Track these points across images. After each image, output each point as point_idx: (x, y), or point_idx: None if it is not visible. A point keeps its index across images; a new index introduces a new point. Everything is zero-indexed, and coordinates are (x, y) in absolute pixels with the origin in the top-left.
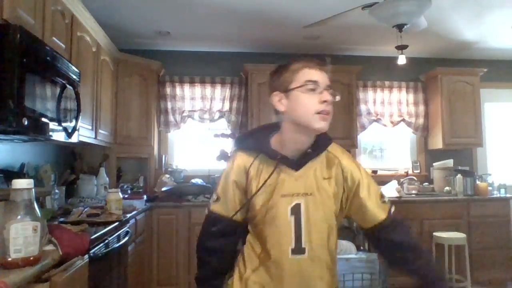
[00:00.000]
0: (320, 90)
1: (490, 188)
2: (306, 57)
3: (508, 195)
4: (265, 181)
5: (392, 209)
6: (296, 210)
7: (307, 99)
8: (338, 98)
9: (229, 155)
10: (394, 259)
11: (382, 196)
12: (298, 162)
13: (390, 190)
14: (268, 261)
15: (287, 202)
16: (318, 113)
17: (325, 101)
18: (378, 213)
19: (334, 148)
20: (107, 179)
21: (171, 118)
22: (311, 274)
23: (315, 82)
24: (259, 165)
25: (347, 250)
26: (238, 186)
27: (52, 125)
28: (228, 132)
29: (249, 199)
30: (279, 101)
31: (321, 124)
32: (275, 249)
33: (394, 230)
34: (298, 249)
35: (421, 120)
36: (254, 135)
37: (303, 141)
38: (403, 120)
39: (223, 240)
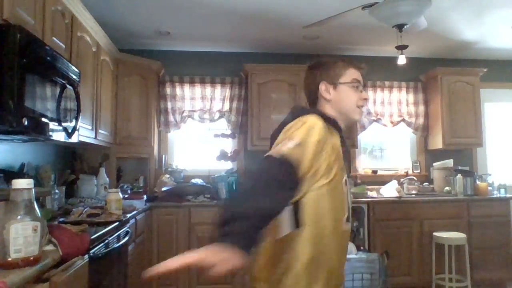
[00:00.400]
0: (361, 89)
1: (490, 188)
2: (349, 58)
3: (508, 195)
4: (338, 152)
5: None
6: (345, 182)
7: (352, 94)
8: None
9: (228, 154)
10: None
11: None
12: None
13: (390, 190)
14: (323, 232)
15: (342, 174)
16: (359, 107)
17: (365, 99)
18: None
19: None
20: (107, 179)
21: (171, 118)
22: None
23: (359, 81)
24: (329, 134)
25: (347, 250)
26: (321, 145)
27: (52, 125)
28: (228, 132)
29: (331, 165)
30: (325, 90)
31: (358, 116)
32: (333, 218)
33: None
34: (348, 218)
35: (421, 120)
36: (317, 105)
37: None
38: (403, 120)
39: (285, 193)
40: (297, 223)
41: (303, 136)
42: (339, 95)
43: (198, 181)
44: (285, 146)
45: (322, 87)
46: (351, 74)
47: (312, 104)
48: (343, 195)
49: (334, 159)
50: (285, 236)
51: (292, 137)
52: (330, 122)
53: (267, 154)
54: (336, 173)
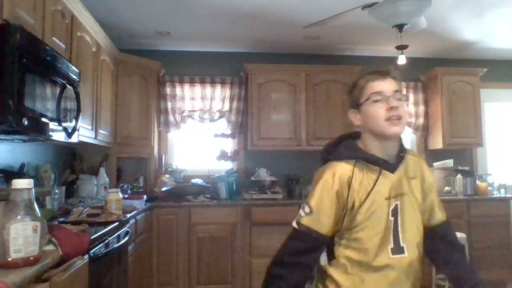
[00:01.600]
0: (387, 98)
1: (490, 188)
2: (370, 71)
3: (508, 195)
4: (372, 188)
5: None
6: (395, 211)
7: (374, 110)
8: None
9: (228, 154)
10: (446, 258)
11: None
12: (394, 165)
13: None
14: (366, 265)
15: (388, 204)
16: (388, 119)
17: (392, 107)
18: (441, 213)
19: (411, 151)
20: (107, 179)
21: (171, 118)
22: (411, 273)
23: (379, 92)
24: (359, 173)
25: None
26: (339, 198)
27: (52, 125)
28: (228, 132)
29: (357, 209)
30: (355, 117)
31: (393, 129)
32: (374, 251)
33: (450, 230)
34: (397, 249)
35: (421, 120)
36: (342, 144)
37: (390, 146)
38: None
39: (307, 256)
40: (330, 255)
41: (316, 199)
42: (364, 117)
43: (198, 181)
44: (302, 210)
45: (351, 116)
46: (370, 88)
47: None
48: (386, 228)
49: (369, 199)
50: (323, 266)
51: (309, 198)
52: (355, 159)
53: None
54: (372, 210)
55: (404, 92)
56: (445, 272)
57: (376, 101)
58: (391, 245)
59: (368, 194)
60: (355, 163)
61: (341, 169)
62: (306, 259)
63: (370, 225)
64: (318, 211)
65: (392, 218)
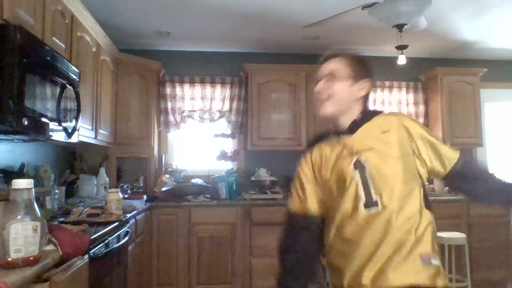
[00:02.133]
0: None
1: None
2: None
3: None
4: (335, 156)
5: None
6: (359, 165)
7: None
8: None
9: (228, 154)
10: (485, 190)
11: (445, 142)
12: (350, 128)
13: None
14: (341, 227)
15: (350, 160)
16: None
17: (315, 92)
18: (454, 153)
19: (394, 113)
20: (107, 179)
21: (171, 118)
22: (393, 228)
23: (316, 79)
24: (319, 151)
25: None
26: (308, 179)
27: (52, 125)
28: (228, 132)
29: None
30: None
31: (320, 110)
32: (347, 208)
33: (473, 163)
34: (370, 203)
35: (421, 120)
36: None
37: (344, 122)
38: None
39: (299, 235)
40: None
41: (294, 186)
42: None
43: (198, 181)
44: (288, 200)
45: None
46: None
47: None
48: (353, 185)
49: (329, 162)
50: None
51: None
52: (318, 140)
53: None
54: (337, 169)
55: (342, 68)
56: (494, 202)
57: (316, 82)
58: (363, 200)
59: (335, 163)
60: (315, 147)
61: (303, 160)
62: (298, 238)
63: (337, 185)
64: (297, 193)
65: (356, 171)
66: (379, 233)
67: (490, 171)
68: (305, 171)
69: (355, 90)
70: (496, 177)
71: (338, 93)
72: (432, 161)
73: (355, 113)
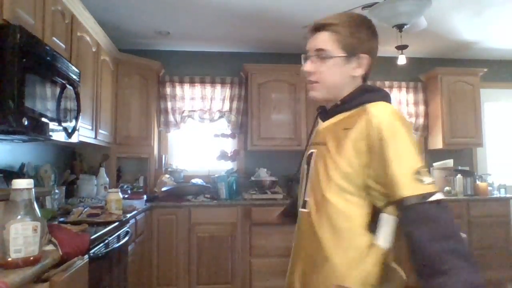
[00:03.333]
0: (308, 58)
1: (490, 188)
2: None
3: (508, 195)
4: (309, 134)
5: (432, 198)
6: (309, 160)
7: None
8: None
9: (228, 154)
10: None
11: (418, 172)
12: (327, 114)
13: None
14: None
15: (308, 151)
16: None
17: (304, 71)
18: (402, 187)
19: (376, 108)
20: (107, 179)
21: (171, 118)
22: (310, 233)
23: (306, 51)
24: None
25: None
26: None
27: (52, 125)
28: (228, 132)
29: None
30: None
31: (310, 94)
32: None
33: (417, 222)
34: (302, 202)
35: (421, 120)
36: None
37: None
38: None
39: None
40: None
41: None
42: None
43: (198, 181)
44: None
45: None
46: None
47: None
48: (302, 178)
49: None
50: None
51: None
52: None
53: None
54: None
55: (333, 43)
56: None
57: (305, 59)
58: (302, 197)
59: (310, 135)
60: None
61: None
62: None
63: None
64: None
65: (305, 167)
66: (301, 236)
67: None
68: None
69: (348, 69)
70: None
71: (328, 76)
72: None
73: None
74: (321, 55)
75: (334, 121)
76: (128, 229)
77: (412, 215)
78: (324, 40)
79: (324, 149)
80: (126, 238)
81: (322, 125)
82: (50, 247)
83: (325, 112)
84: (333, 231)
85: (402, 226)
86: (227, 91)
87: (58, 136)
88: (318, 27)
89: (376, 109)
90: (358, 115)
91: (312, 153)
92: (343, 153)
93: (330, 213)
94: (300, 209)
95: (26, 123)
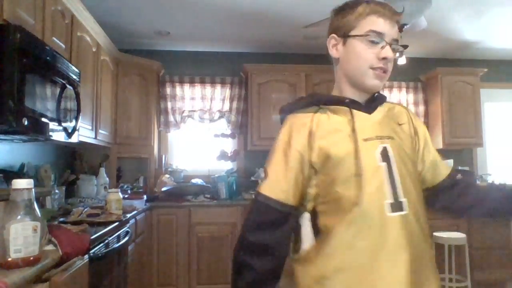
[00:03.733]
0: (383, 44)
1: None
2: (376, 1)
3: None
4: (348, 130)
5: None
6: (385, 156)
7: (364, 51)
8: (402, 60)
9: (228, 154)
10: (482, 201)
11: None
12: (368, 105)
13: None
14: (359, 228)
15: (372, 146)
16: (373, 68)
17: (384, 58)
18: (446, 168)
19: (401, 105)
20: (107, 179)
21: (171, 118)
22: (416, 234)
23: (379, 34)
24: (322, 119)
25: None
26: (301, 154)
27: (52, 125)
28: (228, 132)
29: (333, 160)
30: (334, 46)
31: (374, 82)
32: (366, 208)
33: (466, 175)
34: (396, 205)
35: (421, 120)
36: (305, 96)
37: (363, 96)
38: None
39: (275, 232)
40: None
41: (274, 162)
42: (347, 53)
43: (198, 181)
44: (259, 180)
45: (331, 41)
46: (371, 23)
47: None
48: (377, 178)
49: (343, 142)
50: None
51: (267, 164)
52: (317, 105)
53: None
54: (354, 150)
55: (400, 44)
56: (478, 212)
57: (372, 42)
58: (389, 200)
59: (342, 137)
60: (316, 111)
61: (296, 121)
62: (272, 236)
63: (350, 176)
64: (275, 175)
65: (383, 164)
66: (399, 242)
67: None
68: (295, 144)
69: None
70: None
71: (391, 67)
72: (426, 169)
73: (366, 97)
74: (398, 48)
75: (382, 114)
76: (128, 229)
77: (461, 183)
78: (397, 32)
79: (396, 144)
80: (126, 238)
81: (371, 117)
82: (50, 247)
83: (357, 104)
84: (421, 229)
85: (454, 191)
86: (227, 91)
87: (58, 136)
88: (396, 13)
89: (402, 105)
90: (401, 112)
91: (385, 148)
92: (412, 149)
93: (420, 213)
94: (392, 214)
95: (26, 123)
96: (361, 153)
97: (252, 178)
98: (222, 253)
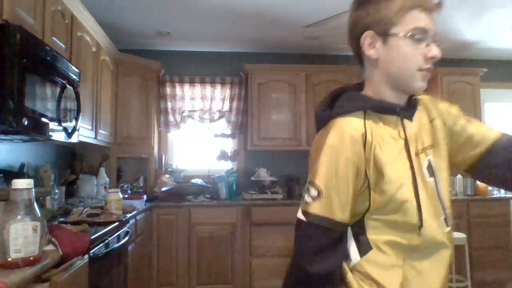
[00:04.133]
0: (428, 41)
1: (490, 188)
2: None
3: (508, 195)
4: (398, 143)
5: None
6: (431, 170)
7: (411, 52)
8: (439, 54)
9: (228, 154)
10: None
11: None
12: (410, 111)
13: None
14: (418, 249)
15: (419, 162)
16: (421, 70)
17: (432, 57)
18: (490, 131)
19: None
20: (107, 179)
21: (171, 118)
22: (451, 249)
23: (424, 30)
24: (373, 127)
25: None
26: (356, 167)
27: (52, 125)
28: (228, 132)
29: (387, 174)
30: (371, 45)
31: (421, 84)
32: (428, 226)
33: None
34: (447, 220)
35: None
36: (342, 97)
37: (404, 98)
38: None
39: (337, 254)
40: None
41: (324, 175)
42: (389, 54)
43: (198, 181)
44: (307, 196)
45: (367, 41)
46: (413, 19)
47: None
48: (431, 194)
49: (397, 156)
50: (352, 265)
51: (312, 176)
52: (363, 110)
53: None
54: (409, 168)
55: None
56: None
57: (417, 40)
58: (443, 215)
59: (397, 152)
60: (364, 115)
61: (348, 126)
62: (335, 260)
63: (404, 194)
64: (329, 192)
65: (431, 179)
66: (451, 258)
67: None
68: (348, 153)
69: None
70: None
71: None
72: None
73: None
74: (439, 42)
75: (417, 117)
76: (128, 229)
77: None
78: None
79: (436, 153)
80: (126, 238)
81: (413, 125)
82: (50, 247)
83: (403, 111)
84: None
85: (501, 156)
86: (227, 91)
87: (58, 136)
88: (439, 9)
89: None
90: (429, 101)
91: (429, 160)
92: (446, 144)
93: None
94: (447, 228)
95: (26, 123)
96: (416, 172)
97: (252, 178)
98: (222, 253)
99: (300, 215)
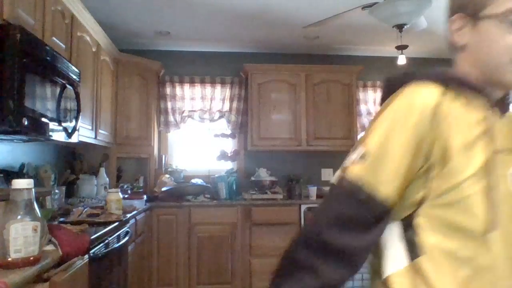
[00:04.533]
0: None
1: None
2: None
3: None
4: (483, 131)
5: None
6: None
7: (503, 38)
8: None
9: (228, 154)
10: None
11: None
12: (502, 105)
13: None
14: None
15: (506, 162)
16: None
17: None
18: None
19: None
20: (107, 179)
21: (171, 118)
22: None
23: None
24: (453, 103)
25: None
26: (419, 140)
27: (52, 125)
28: (228, 132)
29: (460, 163)
30: (459, 29)
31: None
32: (503, 234)
33: None
34: None
35: None
36: (432, 69)
37: (495, 95)
38: None
39: (364, 236)
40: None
41: (378, 138)
42: (480, 40)
43: (198, 181)
44: (350, 158)
45: (456, 24)
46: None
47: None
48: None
49: (474, 148)
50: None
51: (364, 137)
52: (446, 84)
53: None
54: (484, 162)
55: None
56: None
57: None
58: None
59: (476, 140)
60: (445, 90)
61: (421, 95)
62: (358, 241)
63: (475, 195)
64: (379, 156)
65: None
66: None
67: None
68: (415, 121)
69: None
70: None
71: None
72: None
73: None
74: None
75: (510, 117)
76: (128, 229)
77: None
78: None
79: None
80: (126, 238)
81: (503, 122)
82: (50, 247)
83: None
84: None
85: None
86: (227, 91)
87: (58, 136)
88: None
89: None
90: None
91: None
92: None
93: None
94: None
95: (26, 123)
96: (493, 171)
97: (252, 178)
98: (222, 253)
99: (335, 179)
